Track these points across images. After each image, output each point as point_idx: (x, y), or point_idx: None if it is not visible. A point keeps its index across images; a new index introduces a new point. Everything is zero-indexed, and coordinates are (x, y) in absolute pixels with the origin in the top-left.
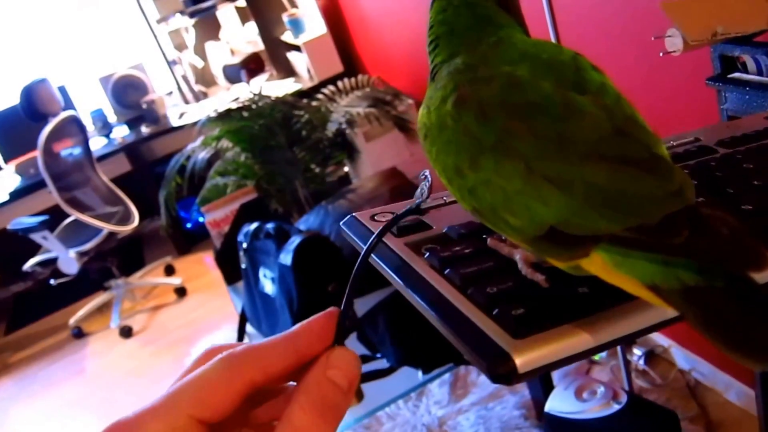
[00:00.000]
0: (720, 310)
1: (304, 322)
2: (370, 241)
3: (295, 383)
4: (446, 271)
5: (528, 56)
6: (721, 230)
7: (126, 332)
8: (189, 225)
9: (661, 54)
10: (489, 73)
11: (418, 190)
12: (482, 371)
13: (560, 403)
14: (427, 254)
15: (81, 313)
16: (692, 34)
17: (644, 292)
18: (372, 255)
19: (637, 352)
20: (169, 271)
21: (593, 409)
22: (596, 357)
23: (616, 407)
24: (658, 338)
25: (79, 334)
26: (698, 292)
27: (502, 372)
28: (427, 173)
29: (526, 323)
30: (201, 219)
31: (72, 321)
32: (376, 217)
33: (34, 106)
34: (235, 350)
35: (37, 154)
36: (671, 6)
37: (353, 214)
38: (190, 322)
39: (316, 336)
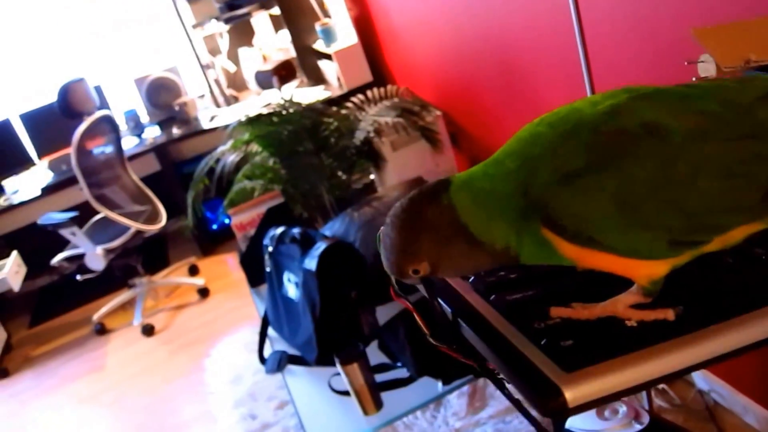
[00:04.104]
0: None
1: None
2: None
3: None
4: (491, 297)
5: None
6: None
7: (148, 330)
8: (214, 226)
9: (693, 80)
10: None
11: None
12: (532, 406)
13: (580, 420)
14: (472, 278)
15: (104, 309)
16: (725, 60)
17: None
18: None
19: None
20: (193, 271)
21: (614, 428)
22: None
23: (637, 427)
24: None
25: (101, 330)
26: None
27: (553, 407)
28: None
29: (576, 355)
30: (226, 221)
31: (95, 317)
32: None
33: (70, 104)
34: None
35: (71, 150)
36: (703, 33)
37: None
38: (211, 322)
39: None
